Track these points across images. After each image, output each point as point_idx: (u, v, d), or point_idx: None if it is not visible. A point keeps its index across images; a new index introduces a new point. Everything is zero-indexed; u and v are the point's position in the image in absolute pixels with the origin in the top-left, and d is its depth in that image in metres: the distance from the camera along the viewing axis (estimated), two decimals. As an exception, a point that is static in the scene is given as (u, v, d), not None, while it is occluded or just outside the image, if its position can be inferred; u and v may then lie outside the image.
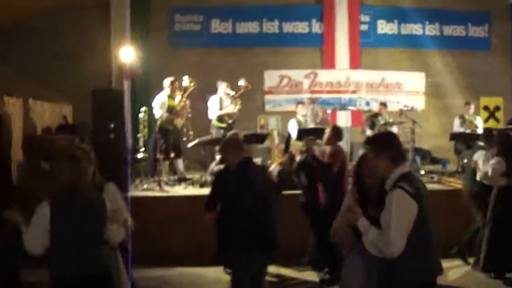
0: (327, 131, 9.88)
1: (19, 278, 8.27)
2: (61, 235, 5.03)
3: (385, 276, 4.93)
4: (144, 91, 16.66)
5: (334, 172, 9.28)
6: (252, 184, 6.62)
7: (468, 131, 14.99)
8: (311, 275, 9.64)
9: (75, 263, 5.02)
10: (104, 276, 5.13)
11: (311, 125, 14.04)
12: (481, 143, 10.39)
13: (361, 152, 13.39)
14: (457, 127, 15.51)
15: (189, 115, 13.67)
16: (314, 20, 18.53)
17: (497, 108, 18.88)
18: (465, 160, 13.15)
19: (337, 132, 9.73)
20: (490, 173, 9.26)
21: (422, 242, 4.78)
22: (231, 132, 11.09)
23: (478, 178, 9.77)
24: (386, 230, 4.69)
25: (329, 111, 15.78)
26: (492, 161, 9.27)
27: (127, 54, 14.52)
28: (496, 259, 9.29)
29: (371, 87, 18.54)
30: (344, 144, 10.66)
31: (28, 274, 8.95)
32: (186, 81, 13.16)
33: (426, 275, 4.86)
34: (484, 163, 9.54)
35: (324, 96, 17.85)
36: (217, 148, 12.70)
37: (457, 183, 12.06)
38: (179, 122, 13.31)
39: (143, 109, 13.68)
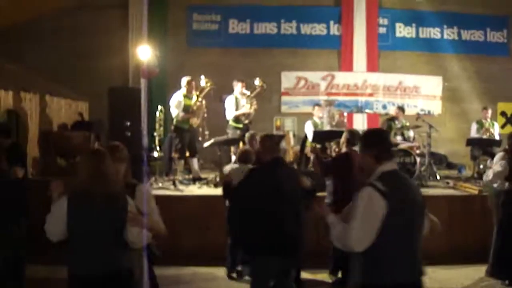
0: (344, 135, 9.84)
1: (23, 271, 8.27)
2: (77, 231, 5.01)
3: (358, 273, 4.90)
4: (160, 90, 16.69)
5: (336, 175, 9.24)
6: (278, 185, 6.53)
7: (485, 136, 14.91)
8: (325, 277, 9.61)
9: (90, 261, 4.98)
10: (123, 276, 5.05)
11: (327, 127, 14.00)
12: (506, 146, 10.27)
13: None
14: (474, 133, 15.41)
15: (205, 115, 13.66)
16: (332, 22, 18.50)
17: (515, 114, 18.80)
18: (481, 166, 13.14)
19: (351, 136, 9.68)
20: (490, 175, 9.24)
21: (394, 242, 4.68)
22: (249, 132, 11.07)
23: (483, 179, 9.76)
24: (349, 225, 4.70)
25: (345, 114, 15.69)
26: (497, 164, 9.23)
27: (144, 53, 14.58)
28: (503, 265, 9.21)
29: (388, 90, 18.47)
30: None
31: (36, 270, 8.99)
32: (203, 81, 13.15)
33: (396, 275, 4.75)
34: (493, 165, 9.50)
35: (340, 98, 17.78)
36: (232, 148, 12.72)
37: (472, 189, 11.98)
38: (195, 121, 13.30)
39: (159, 107, 13.69)
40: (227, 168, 9.84)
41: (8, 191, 7.33)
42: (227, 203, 9.59)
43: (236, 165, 9.67)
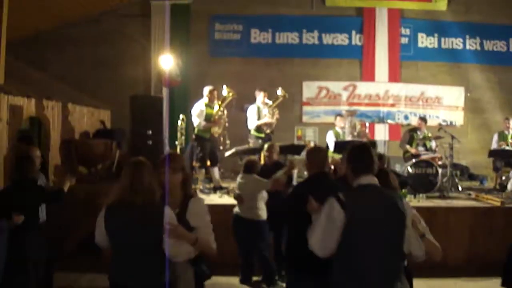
0: None
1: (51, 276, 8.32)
2: (115, 241, 5.06)
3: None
4: (182, 99, 16.75)
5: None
6: (319, 200, 6.40)
7: (507, 148, 14.80)
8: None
9: (126, 270, 5.00)
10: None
11: (348, 138, 13.98)
12: None
13: (397, 165, 13.36)
14: (495, 144, 15.33)
15: (226, 124, 13.67)
16: (354, 32, 18.47)
17: (537, 125, 18.64)
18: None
19: (380, 158, 9.78)
20: (510, 186, 9.24)
21: (354, 254, 4.83)
22: (268, 143, 11.09)
23: (508, 188, 9.73)
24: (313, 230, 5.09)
25: (367, 124, 15.67)
26: None
27: (167, 62, 14.65)
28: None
29: (410, 101, 18.40)
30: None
31: (60, 278, 9.01)
32: (225, 90, 13.16)
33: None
34: None
35: (362, 108, 17.82)
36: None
37: (494, 201, 11.89)
38: (216, 130, 13.30)
39: (181, 116, 13.71)
40: (238, 180, 9.87)
41: (34, 197, 7.41)
42: (234, 211, 9.64)
43: (241, 176, 9.75)
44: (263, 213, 9.37)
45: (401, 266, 5.01)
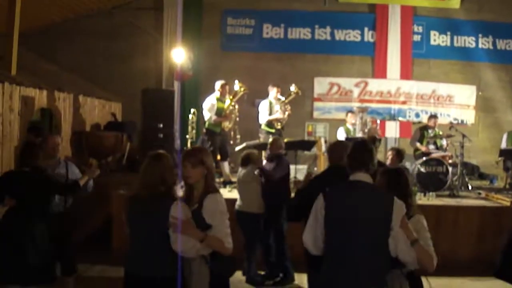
0: (390, 152, 10.06)
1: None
2: (131, 233, 5.17)
3: None
4: (193, 93, 16.75)
5: None
6: None
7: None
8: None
9: (136, 261, 5.08)
10: (157, 282, 4.99)
11: (359, 134, 13.99)
12: None
13: (407, 163, 13.34)
14: (504, 143, 15.26)
15: (237, 119, 13.67)
16: (366, 29, 18.42)
17: (549, 125, 18.57)
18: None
19: (398, 153, 9.91)
20: None
21: (332, 246, 4.91)
22: (273, 137, 11.11)
23: None
24: None
25: (378, 121, 15.63)
26: None
27: (178, 56, 14.66)
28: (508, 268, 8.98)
29: (422, 99, 18.35)
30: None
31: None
32: (236, 85, 13.17)
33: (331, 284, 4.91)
34: None
35: (373, 105, 17.77)
36: (264, 153, 12.73)
37: (504, 200, 11.87)
38: (227, 125, 13.32)
39: (192, 110, 13.72)
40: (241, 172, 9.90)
41: (38, 188, 7.39)
42: (235, 206, 9.64)
43: (240, 169, 9.81)
44: (261, 207, 9.43)
45: (383, 268, 4.85)
